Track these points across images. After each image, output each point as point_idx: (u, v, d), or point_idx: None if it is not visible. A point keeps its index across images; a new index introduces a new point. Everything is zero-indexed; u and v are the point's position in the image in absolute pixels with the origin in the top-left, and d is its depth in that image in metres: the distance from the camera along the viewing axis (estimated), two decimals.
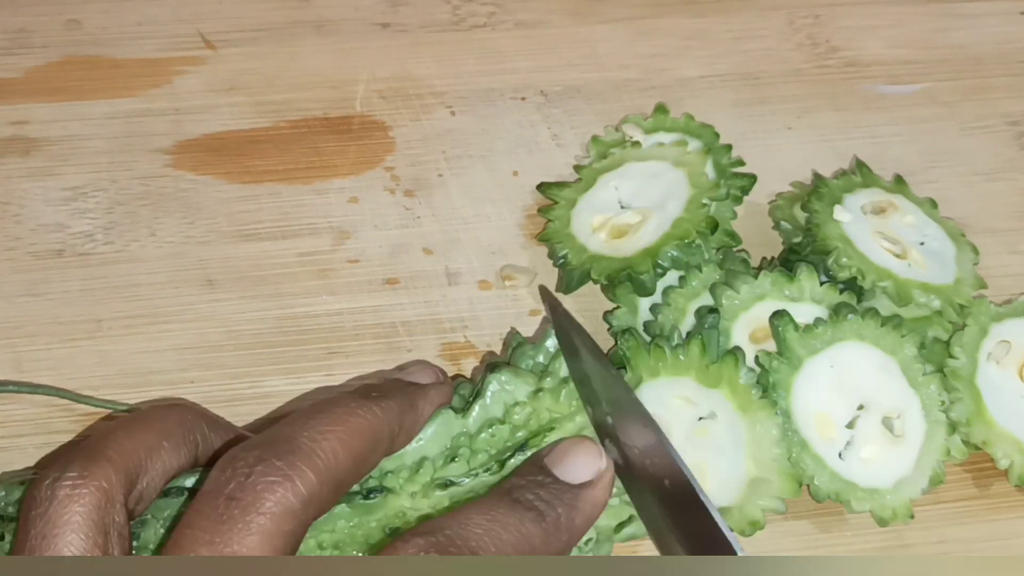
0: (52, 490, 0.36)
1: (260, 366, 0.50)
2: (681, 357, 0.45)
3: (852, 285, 0.48)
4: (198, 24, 0.60)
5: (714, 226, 0.49)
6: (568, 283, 0.50)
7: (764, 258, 0.51)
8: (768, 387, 0.45)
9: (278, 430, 0.37)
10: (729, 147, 0.53)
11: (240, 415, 0.48)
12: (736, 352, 0.44)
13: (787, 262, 0.49)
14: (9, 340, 0.50)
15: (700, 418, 0.45)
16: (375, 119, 0.57)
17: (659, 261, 0.48)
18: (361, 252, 0.53)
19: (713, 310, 0.47)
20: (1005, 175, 0.57)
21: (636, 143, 0.55)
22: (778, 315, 0.46)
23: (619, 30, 0.63)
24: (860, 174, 0.52)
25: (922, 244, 0.50)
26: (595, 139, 0.56)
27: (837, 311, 0.46)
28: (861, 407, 0.46)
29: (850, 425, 0.46)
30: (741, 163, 0.53)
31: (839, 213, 0.49)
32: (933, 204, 0.52)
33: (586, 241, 0.51)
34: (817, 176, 0.53)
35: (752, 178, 0.52)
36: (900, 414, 0.46)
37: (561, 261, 0.51)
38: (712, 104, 0.59)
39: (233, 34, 0.60)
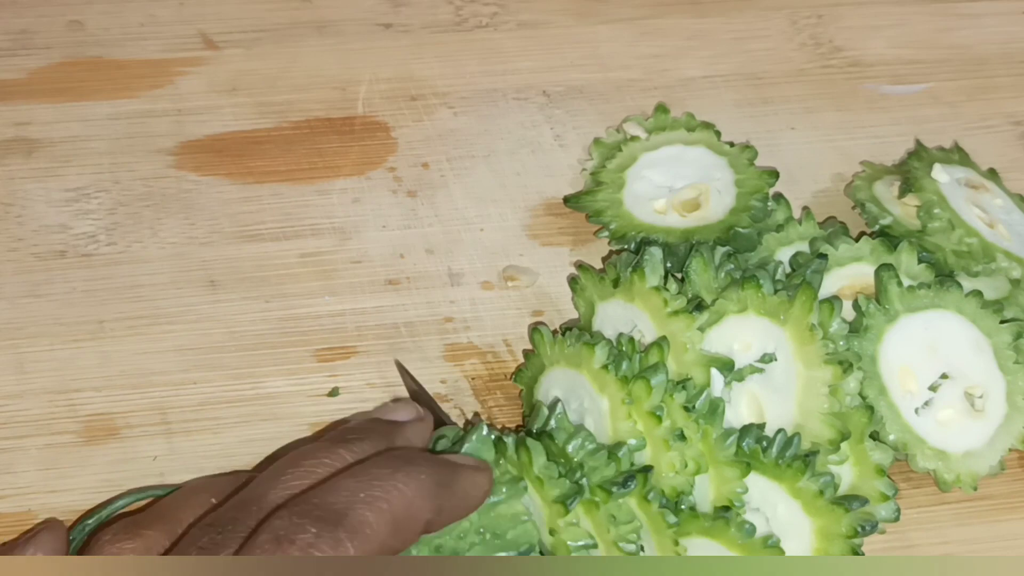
0: (99, 544, 0.38)
1: (262, 367, 0.50)
2: (788, 294, 0.45)
3: (943, 268, 0.49)
4: (200, 25, 0.60)
5: (776, 175, 0.52)
6: (678, 259, 0.50)
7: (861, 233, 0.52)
8: (860, 330, 0.46)
9: (248, 490, 0.38)
10: (748, 147, 0.54)
11: (242, 416, 0.48)
12: (834, 301, 0.45)
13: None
14: (12, 341, 0.50)
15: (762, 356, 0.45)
16: (377, 120, 0.57)
17: (752, 213, 0.51)
18: (363, 253, 0.53)
19: (822, 255, 0.48)
20: (1009, 175, 0.57)
21: (635, 138, 0.55)
22: (885, 267, 0.47)
23: (621, 30, 0.63)
24: (958, 155, 0.54)
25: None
26: (597, 141, 0.56)
27: (942, 282, 0.47)
28: (945, 376, 0.47)
29: (932, 388, 0.46)
30: (754, 153, 0.54)
31: (937, 172, 0.51)
32: (1022, 198, 0.54)
33: (665, 223, 0.52)
34: (919, 143, 0.55)
35: (775, 172, 0.53)
36: (984, 393, 0.47)
37: (654, 246, 0.49)
38: (714, 104, 0.59)
39: (235, 35, 0.60)
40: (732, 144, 0.55)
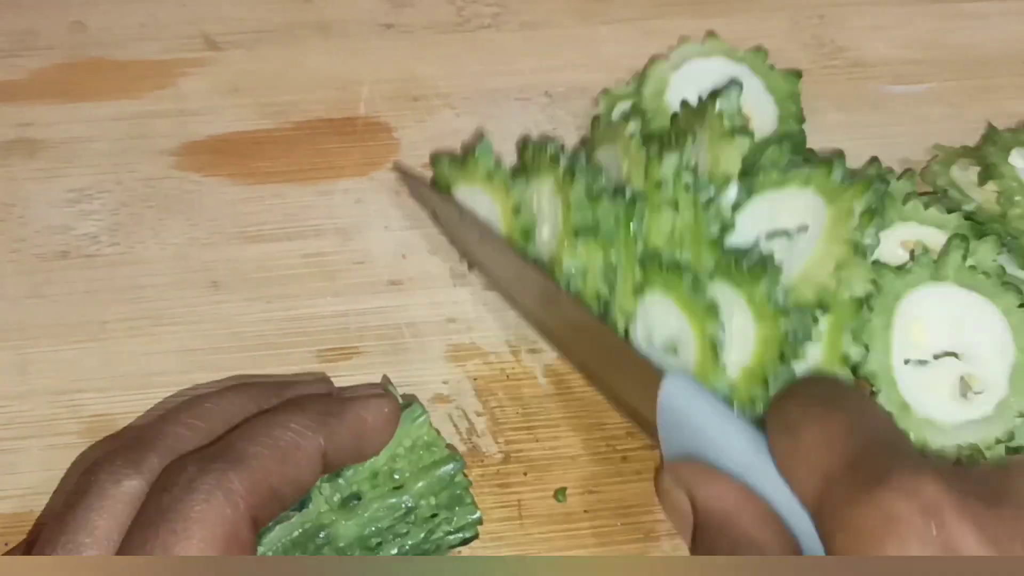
0: (100, 484, 0.37)
1: (265, 368, 0.50)
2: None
3: None
4: (202, 25, 0.60)
5: (799, 75, 0.55)
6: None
7: None
8: (904, 270, 0.47)
9: (144, 427, 0.39)
10: (761, 50, 0.56)
11: None
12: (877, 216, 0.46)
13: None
14: (14, 342, 0.50)
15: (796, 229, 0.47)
16: (379, 120, 0.57)
17: (796, 115, 0.54)
18: (366, 253, 0.53)
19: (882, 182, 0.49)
20: None
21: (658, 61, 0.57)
22: (960, 238, 0.48)
23: (624, 31, 0.63)
24: None
25: None
26: (607, 92, 0.57)
27: (1004, 281, 0.47)
28: (955, 354, 0.47)
29: (936, 356, 0.47)
30: (766, 55, 0.56)
31: (1015, 157, 0.52)
32: None
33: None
34: (991, 126, 0.55)
35: (798, 72, 0.55)
36: (985, 389, 0.47)
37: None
38: None
39: (237, 35, 0.60)
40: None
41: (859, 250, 0.45)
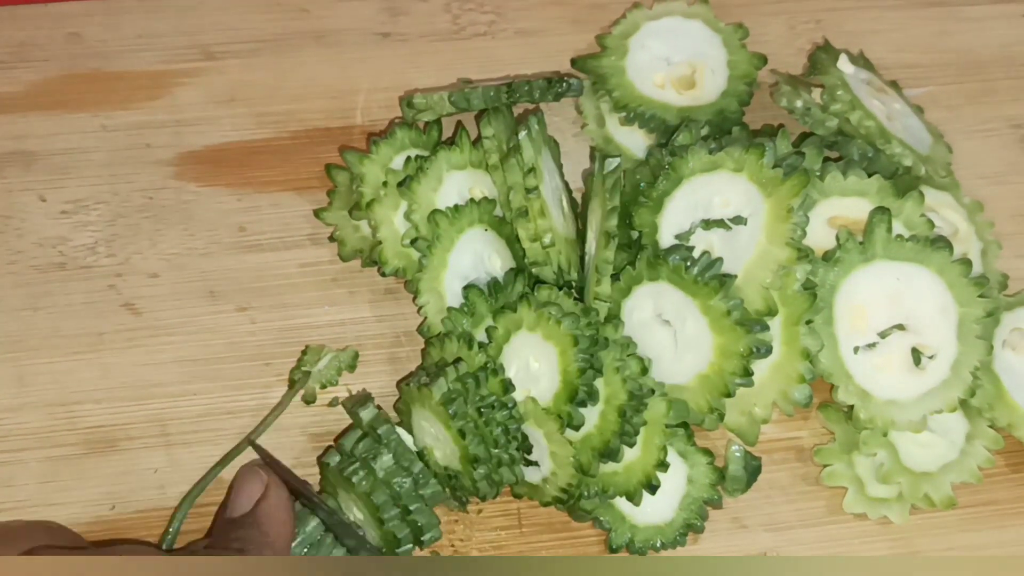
0: None
1: (262, 377, 0.50)
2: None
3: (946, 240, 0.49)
4: (197, 36, 0.60)
5: (764, 61, 0.56)
6: (666, 133, 0.53)
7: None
8: (831, 259, 0.47)
9: None
10: (741, 26, 0.57)
11: (243, 427, 0.48)
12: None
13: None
14: (12, 354, 0.50)
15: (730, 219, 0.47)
16: (376, 129, 0.57)
17: (740, 99, 0.55)
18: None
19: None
20: (1009, 178, 0.57)
21: (638, 6, 0.57)
22: (881, 211, 0.48)
23: None
24: (863, 61, 0.57)
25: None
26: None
27: (934, 242, 0.47)
28: (902, 327, 0.47)
29: (882, 335, 0.47)
30: (746, 33, 0.57)
31: (843, 63, 0.54)
32: (920, 109, 0.56)
33: (663, 99, 0.55)
34: (827, 41, 0.58)
35: (763, 57, 0.56)
36: (935, 355, 0.47)
37: (652, 121, 0.54)
38: None
39: (232, 45, 0.59)
40: (738, 39, 0.57)
41: (802, 253, 0.46)
